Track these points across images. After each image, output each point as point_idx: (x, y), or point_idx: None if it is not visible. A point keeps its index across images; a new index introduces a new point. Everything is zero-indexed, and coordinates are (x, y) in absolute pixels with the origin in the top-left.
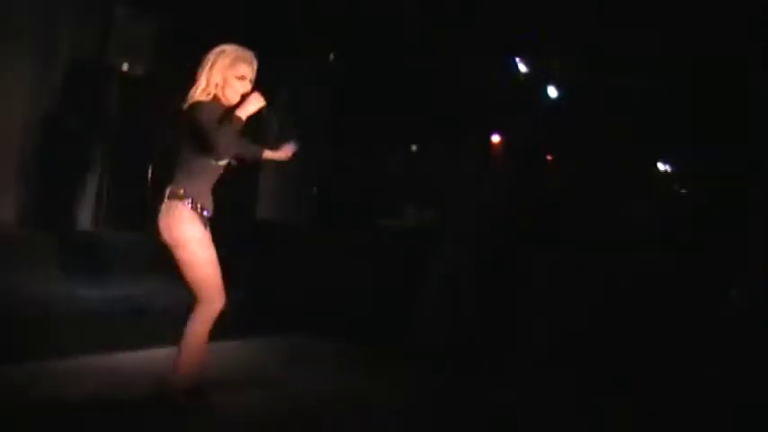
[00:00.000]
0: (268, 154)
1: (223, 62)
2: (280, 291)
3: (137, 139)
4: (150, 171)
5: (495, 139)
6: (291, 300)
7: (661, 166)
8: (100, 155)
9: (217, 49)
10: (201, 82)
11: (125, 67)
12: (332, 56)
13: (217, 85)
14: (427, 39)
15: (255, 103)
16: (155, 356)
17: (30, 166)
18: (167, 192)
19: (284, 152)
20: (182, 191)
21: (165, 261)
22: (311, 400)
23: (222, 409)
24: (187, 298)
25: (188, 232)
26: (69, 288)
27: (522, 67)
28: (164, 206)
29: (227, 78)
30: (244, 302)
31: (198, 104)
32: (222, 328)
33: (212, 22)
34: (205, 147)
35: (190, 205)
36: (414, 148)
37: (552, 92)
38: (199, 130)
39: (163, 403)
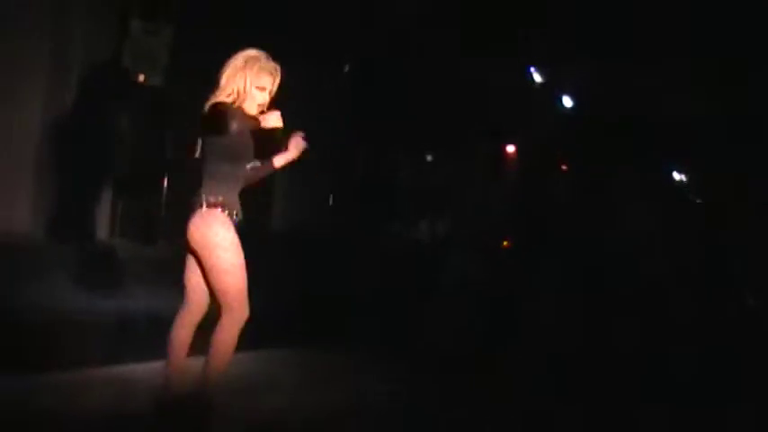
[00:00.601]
0: (280, 159)
1: (248, 70)
2: (286, 297)
3: (152, 149)
4: (167, 180)
5: (510, 149)
6: (298, 307)
7: (676, 175)
8: (115, 164)
9: (243, 54)
10: (224, 86)
11: (141, 77)
12: (347, 66)
13: (238, 92)
14: (443, 49)
15: (275, 121)
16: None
17: (45, 176)
18: (201, 199)
19: (295, 148)
20: (218, 198)
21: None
22: (323, 406)
23: (237, 416)
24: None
25: (224, 240)
26: (86, 298)
27: (537, 77)
28: (198, 214)
29: (249, 87)
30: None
31: (220, 105)
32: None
33: (226, 29)
34: (229, 146)
35: (225, 212)
36: (428, 158)
37: (567, 102)
38: (220, 128)
39: (198, 414)
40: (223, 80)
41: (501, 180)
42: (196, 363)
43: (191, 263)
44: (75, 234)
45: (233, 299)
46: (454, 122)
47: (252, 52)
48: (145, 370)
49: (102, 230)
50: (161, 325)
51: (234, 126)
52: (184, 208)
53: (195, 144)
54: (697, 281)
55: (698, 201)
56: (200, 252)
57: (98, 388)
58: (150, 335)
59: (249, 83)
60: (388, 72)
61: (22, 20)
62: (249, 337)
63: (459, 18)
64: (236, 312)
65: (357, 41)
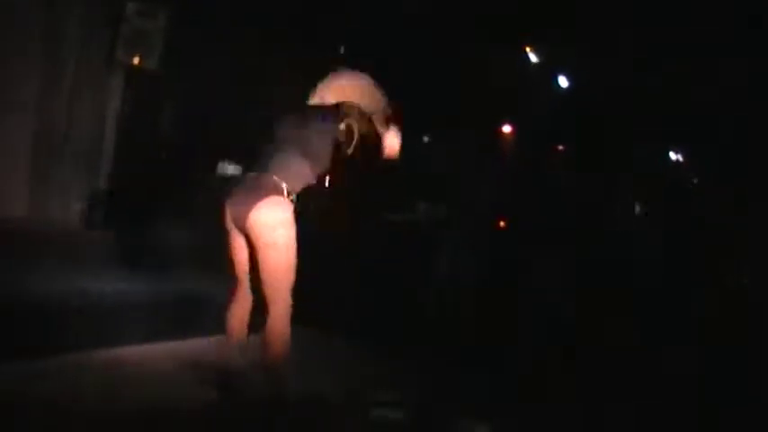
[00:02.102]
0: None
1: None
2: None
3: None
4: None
5: (506, 129)
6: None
7: (672, 156)
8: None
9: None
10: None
11: (136, 60)
12: (342, 49)
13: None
14: (438, 30)
15: (394, 139)
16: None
17: (39, 160)
18: (269, 183)
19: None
20: (288, 187)
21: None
22: (312, 397)
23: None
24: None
25: (290, 233)
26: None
27: (533, 58)
28: (264, 200)
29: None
30: None
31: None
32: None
33: (223, 14)
34: (325, 147)
35: (293, 205)
36: (425, 139)
37: (563, 82)
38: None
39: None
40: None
41: (498, 161)
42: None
43: (240, 252)
44: (70, 219)
45: (284, 292)
46: (450, 104)
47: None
48: (134, 354)
49: (97, 215)
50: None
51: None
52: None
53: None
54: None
55: (695, 182)
56: (264, 244)
57: (91, 372)
58: (139, 320)
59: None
60: (384, 55)
61: (15, 2)
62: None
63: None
64: (285, 303)
65: (353, 24)
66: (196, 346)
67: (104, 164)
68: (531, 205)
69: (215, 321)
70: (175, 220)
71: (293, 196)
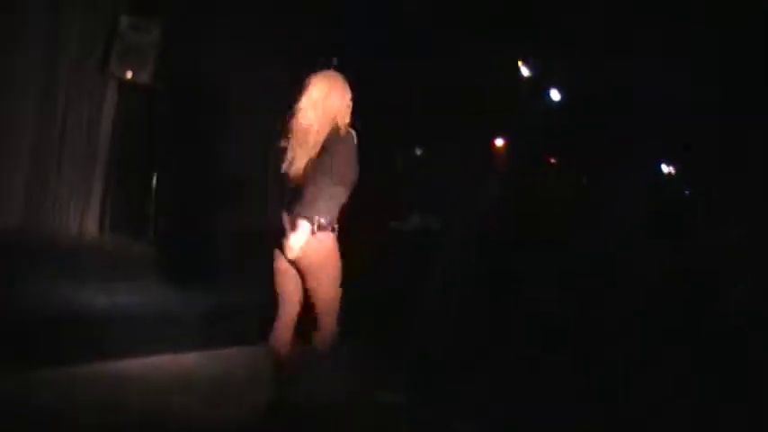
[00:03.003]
0: None
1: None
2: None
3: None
4: (156, 177)
5: (499, 142)
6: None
7: (664, 168)
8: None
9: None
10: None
11: (129, 74)
12: (335, 61)
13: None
14: (432, 40)
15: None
16: None
17: (37, 171)
18: (317, 222)
19: None
20: (330, 220)
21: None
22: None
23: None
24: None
25: (338, 263)
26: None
27: (525, 71)
28: (316, 238)
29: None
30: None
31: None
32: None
33: (216, 27)
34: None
35: (334, 234)
36: (418, 152)
37: (555, 95)
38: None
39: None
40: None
41: (490, 173)
42: None
43: (288, 274)
44: (66, 229)
45: (335, 307)
46: (443, 116)
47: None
48: (138, 366)
49: (92, 226)
50: (150, 320)
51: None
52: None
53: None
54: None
55: (686, 193)
56: (316, 272)
57: (90, 384)
58: (140, 331)
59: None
60: (377, 67)
61: (11, 15)
62: (242, 333)
63: (448, 11)
64: (336, 315)
65: (346, 37)
66: (196, 358)
67: (98, 176)
68: (524, 216)
69: (221, 334)
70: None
71: (334, 225)
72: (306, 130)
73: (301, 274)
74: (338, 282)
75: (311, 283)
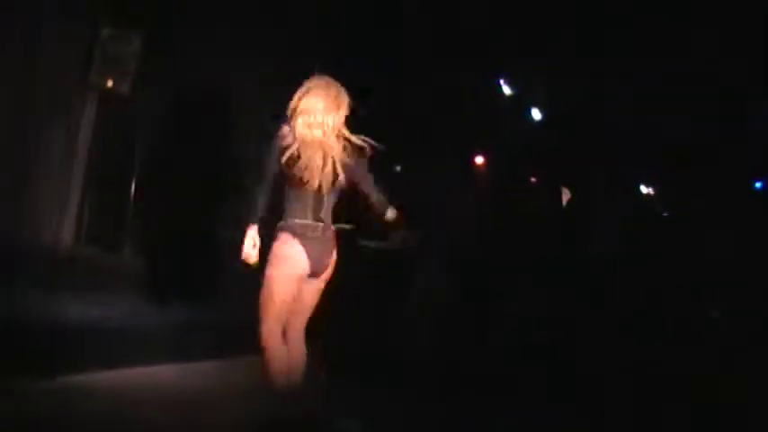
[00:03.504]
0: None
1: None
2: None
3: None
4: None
5: (479, 160)
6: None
7: (643, 189)
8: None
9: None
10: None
11: (110, 84)
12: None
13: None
14: (411, 61)
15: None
16: None
17: (12, 181)
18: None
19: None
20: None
21: None
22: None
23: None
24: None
25: None
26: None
27: (506, 89)
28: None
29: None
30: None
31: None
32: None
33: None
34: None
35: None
36: (397, 168)
37: (536, 114)
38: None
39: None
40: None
41: (471, 191)
42: None
43: (292, 290)
44: (41, 240)
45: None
46: (424, 134)
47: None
48: (112, 378)
49: (68, 236)
50: (125, 333)
51: None
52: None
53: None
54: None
55: (665, 214)
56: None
57: (62, 397)
58: (114, 343)
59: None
60: (357, 84)
61: None
62: (217, 346)
63: (429, 28)
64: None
65: (325, 51)
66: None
67: (75, 186)
68: (504, 234)
69: (197, 347)
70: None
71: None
72: (320, 139)
73: (317, 283)
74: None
75: (312, 294)
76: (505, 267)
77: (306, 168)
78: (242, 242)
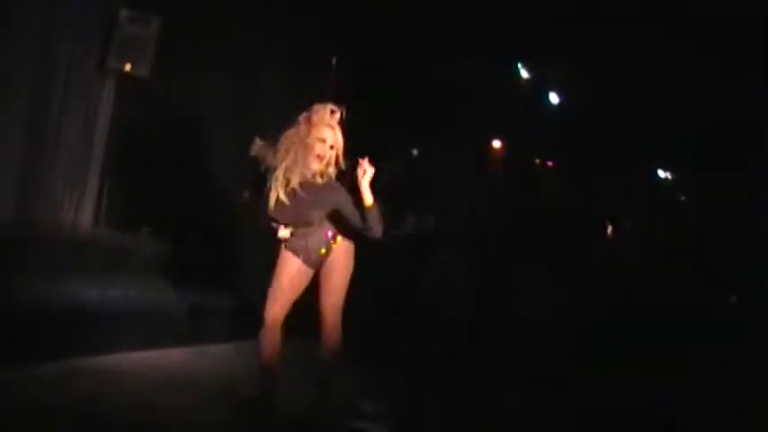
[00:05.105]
0: (366, 196)
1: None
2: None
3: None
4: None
5: (496, 144)
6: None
7: (661, 173)
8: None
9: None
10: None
11: (127, 67)
12: (334, 61)
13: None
14: (428, 41)
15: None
16: None
17: (31, 165)
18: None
19: (363, 175)
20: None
21: None
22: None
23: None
24: None
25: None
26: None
27: (524, 73)
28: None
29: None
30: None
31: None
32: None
33: (215, 20)
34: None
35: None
36: (414, 152)
37: (554, 98)
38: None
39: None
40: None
41: (487, 176)
42: None
43: (297, 278)
44: (60, 223)
45: (341, 309)
46: (440, 118)
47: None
48: (129, 361)
49: (86, 220)
50: (142, 315)
51: None
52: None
53: None
54: (683, 283)
55: (682, 198)
56: (336, 274)
57: (84, 379)
58: (133, 326)
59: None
60: (373, 68)
61: (8, 8)
62: (234, 331)
63: (446, 13)
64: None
65: (342, 37)
66: (188, 353)
67: (93, 170)
68: (521, 219)
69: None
70: (167, 229)
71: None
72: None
73: (319, 275)
74: (346, 286)
75: (327, 285)
76: (522, 253)
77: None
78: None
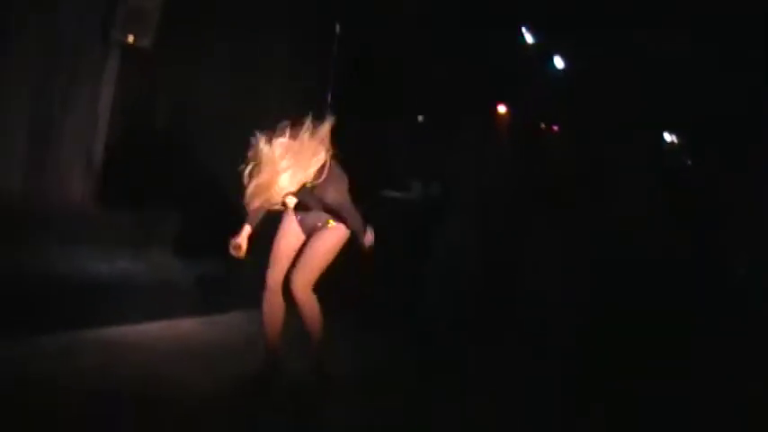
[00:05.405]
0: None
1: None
2: None
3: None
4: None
5: (501, 109)
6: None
7: (667, 137)
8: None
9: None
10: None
11: (131, 38)
12: (337, 29)
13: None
14: (434, 12)
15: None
16: None
17: (35, 138)
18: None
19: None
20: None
21: None
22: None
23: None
24: None
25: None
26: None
27: (529, 39)
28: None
29: None
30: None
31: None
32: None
33: None
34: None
35: None
36: (420, 119)
37: (559, 63)
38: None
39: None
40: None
41: (493, 141)
42: None
43: (293, 245)
44: (67, 197)
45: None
46: (446, 84)
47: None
48: (138, 332)
49: (94, 193)
50: (150, 287)
51: None
52: None
53: None
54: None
55: (689, 163)
56: (317, 251)
57: (90, 350)
58: (130, 299)
59: None
60: (378, 36)
61: None
62: (240, 298)
63: None
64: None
65: (346, 6)
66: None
67: (99, 143)
68: (526, 183)
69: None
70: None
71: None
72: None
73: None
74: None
75: (304, 258)
76: (528, 217)
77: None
78: None
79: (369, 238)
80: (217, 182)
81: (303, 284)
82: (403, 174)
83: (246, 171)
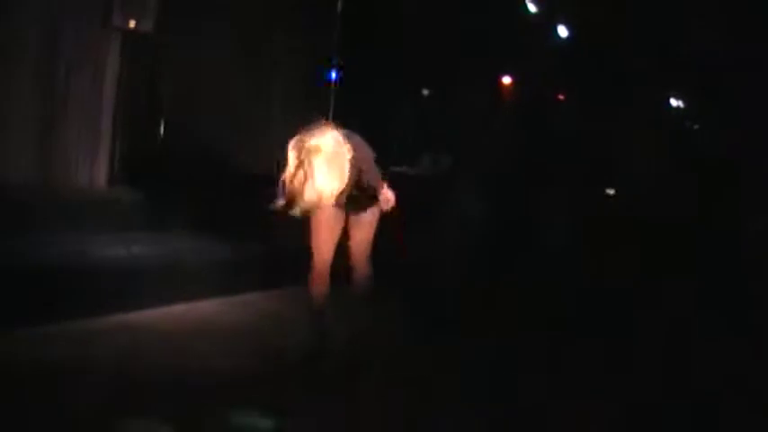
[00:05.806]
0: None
1: None
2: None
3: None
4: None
5: (506, 80)
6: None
7: (673, 102)
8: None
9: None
10: None
11: (132, 23)
12: (339, 5)
13: None
14: None
15: None
16: None
17: (43, 122)
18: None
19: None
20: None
21: None
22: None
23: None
24: None
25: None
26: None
27: (532, 8)
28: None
29: None
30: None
31: None
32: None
33: None
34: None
35: None
36: (425, 92)
37: (563, 32)
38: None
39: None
40: None
41: (499, 111)
42: None
43: (331, 225)
44: (76, 182)
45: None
46: (451, 55)
47: None
48: (155, 315)
49: (102, 178)
50: (164, 270)
51: None
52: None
53: None
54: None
55: (695, 127)
56: (362, 227)
57: (106, 335)
58: (149, 283)
59: None
60: (383, 8)
61: None
62: (254, 279)
63: None
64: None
65: None
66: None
67: (105, 127)
68: (533, 152)
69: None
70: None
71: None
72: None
73: (348, 225)
74: (371, 238)
75: (354, 237)
76: (536, 186)
77: None
78: None
79: (389, 198)
80: (225, 163)
81: (365, 258)
82: (412, 148)
83: (296, 173)
